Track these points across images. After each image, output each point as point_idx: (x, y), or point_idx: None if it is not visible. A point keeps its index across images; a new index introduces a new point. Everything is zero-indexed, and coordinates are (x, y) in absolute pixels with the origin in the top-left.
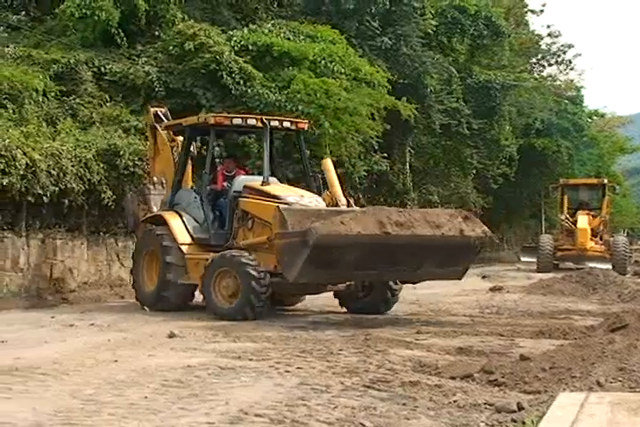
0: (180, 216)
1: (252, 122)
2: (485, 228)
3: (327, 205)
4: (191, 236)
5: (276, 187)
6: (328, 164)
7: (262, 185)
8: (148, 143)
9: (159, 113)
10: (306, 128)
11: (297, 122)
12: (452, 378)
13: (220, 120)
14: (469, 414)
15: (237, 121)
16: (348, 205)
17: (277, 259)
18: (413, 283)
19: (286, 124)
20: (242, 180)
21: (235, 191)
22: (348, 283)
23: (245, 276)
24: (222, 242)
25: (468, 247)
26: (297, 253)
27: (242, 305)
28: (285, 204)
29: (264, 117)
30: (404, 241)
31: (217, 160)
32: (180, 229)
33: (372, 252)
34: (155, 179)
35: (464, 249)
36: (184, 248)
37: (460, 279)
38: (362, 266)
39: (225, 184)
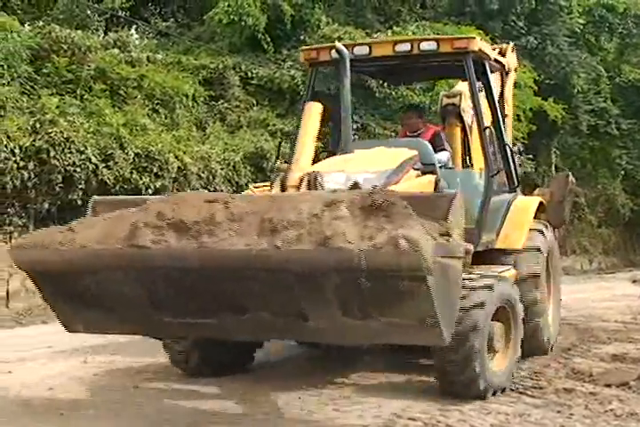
0: None
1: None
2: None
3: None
4: None
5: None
6: None
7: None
8: None
9: None
10: (475, 49)
11: (457, 39)
12: (608, 386)
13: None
14: (627, 424)
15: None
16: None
17: None
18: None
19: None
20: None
21: None
22: None
23: None
24: None
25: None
26: None
27: None
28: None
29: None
30: (194, 263)
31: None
32: None
33: (137, 281)
34: None
35: (350, 280)
36: None
37: (440, 344)
38: (171, 308)
39: None
